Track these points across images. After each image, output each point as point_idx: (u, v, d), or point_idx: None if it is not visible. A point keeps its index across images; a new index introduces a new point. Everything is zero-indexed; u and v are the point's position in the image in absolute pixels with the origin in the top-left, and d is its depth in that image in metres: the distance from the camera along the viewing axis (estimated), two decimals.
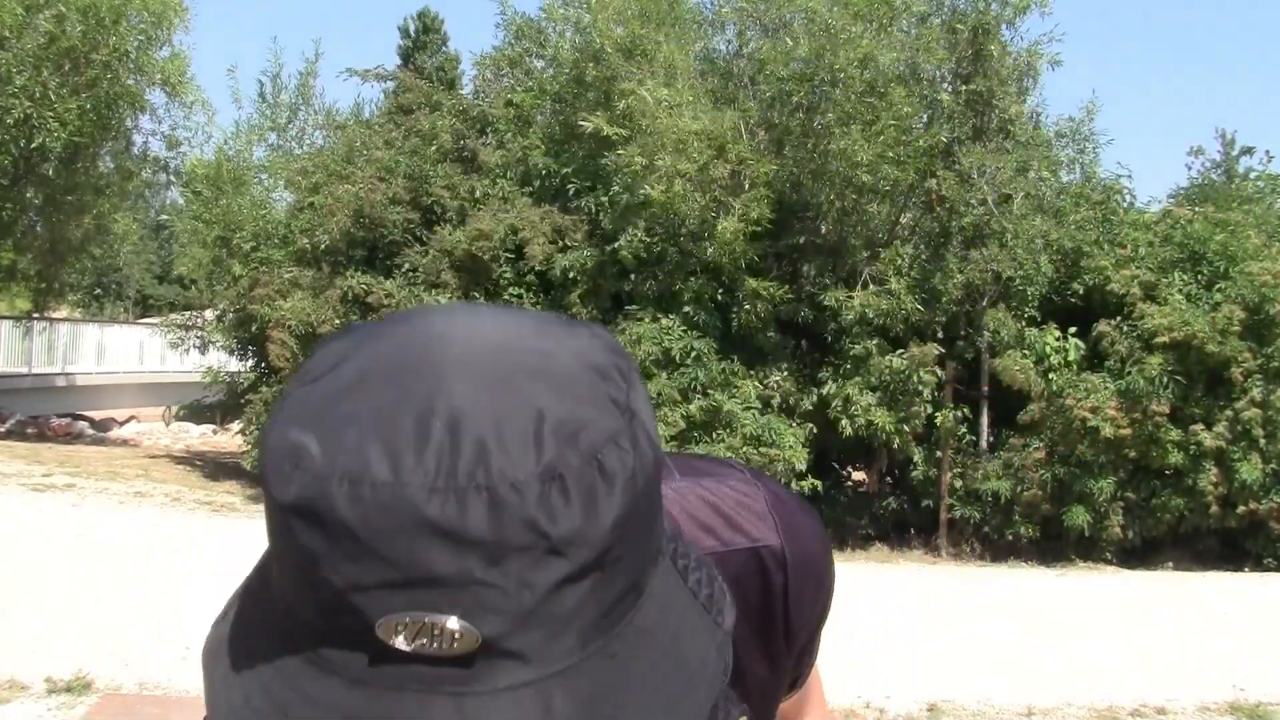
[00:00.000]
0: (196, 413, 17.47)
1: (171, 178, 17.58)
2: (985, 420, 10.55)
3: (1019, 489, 9.95)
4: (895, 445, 10.08)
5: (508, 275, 10.59)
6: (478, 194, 11.03)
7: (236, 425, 13.46)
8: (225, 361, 14.04)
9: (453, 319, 0.53)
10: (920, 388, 9.86)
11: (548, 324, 0.54)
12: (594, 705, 0.48)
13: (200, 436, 18.78)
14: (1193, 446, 9.74)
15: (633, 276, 10.30)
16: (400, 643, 0.46)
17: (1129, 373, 9.81)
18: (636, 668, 0.50)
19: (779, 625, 0.83)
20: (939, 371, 10.14)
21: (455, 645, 0.46)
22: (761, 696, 0.85)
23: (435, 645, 0.46)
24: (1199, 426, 9.76)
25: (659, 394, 9.41)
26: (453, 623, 0.45)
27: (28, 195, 16.04)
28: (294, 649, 0.49)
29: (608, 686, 0.49)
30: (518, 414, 0.47)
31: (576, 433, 0.48)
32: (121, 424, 19.99)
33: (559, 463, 0.46)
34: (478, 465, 0.46)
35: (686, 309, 10.00)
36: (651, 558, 0.54)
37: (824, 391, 10.07)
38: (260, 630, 0.52)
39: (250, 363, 13.02)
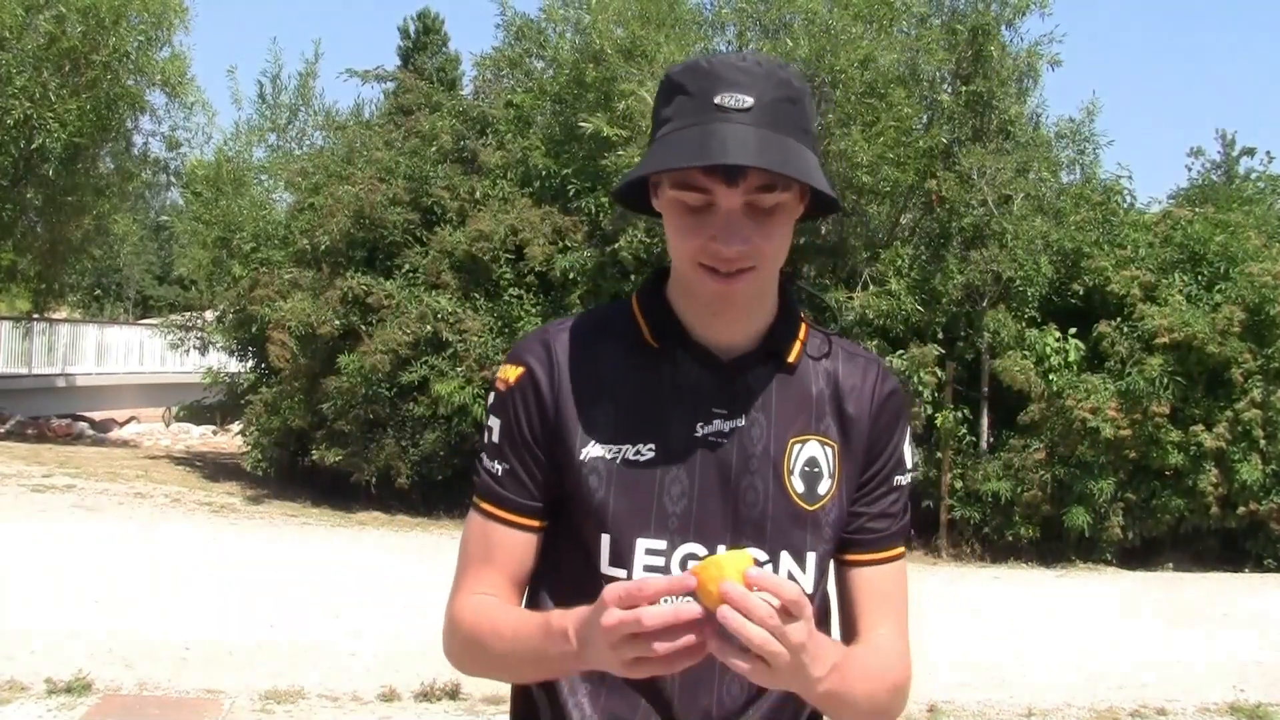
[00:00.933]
0: (196, 413, 17.49)
1: (171, 178, 17.58)
2: (985, 421, 10.55)
3: (1019, 489, 9.95)
4: None
5: (508, 276, 10.59)
6: (478, 194, 11.03)
7: (236, 426, 13.46)
8: (225, 362, 14.04)
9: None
10: (920, 388, 9.86)
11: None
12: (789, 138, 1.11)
13: (200, 437, 18.77)
14: (1193, 447, 9.73)
15: (633, 277, 10.30)
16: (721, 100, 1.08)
17: (1129, 373, 9.81)
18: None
19: (865, 430, 1.21)
20: (939, 372, 10.14)
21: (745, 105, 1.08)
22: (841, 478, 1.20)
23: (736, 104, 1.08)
24: (1199, 427, 9.76)
25: None
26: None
27: (28, 196, 16.03)
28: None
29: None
30: (778, 67, 1.15)
31: (801, 85, 1.15)
32: (121, 425, 19.98)
33: (789, 75, 1.16)
34: (756, 61, 1.14)
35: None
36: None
37: None
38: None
39: (250, 363, 13.02)
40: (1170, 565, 9.96)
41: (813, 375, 1.22)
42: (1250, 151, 17.88)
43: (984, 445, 10.53)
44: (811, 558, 1.18)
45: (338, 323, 10.55)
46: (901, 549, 1.23)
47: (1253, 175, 14.92)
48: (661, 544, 1.14)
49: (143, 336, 25.08)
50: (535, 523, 1.20)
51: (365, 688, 5.02)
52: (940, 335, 10.33)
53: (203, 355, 14.48)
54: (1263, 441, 9.79)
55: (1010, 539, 10.07)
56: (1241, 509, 9.82)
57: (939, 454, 10.35)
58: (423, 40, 31.09)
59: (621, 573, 1.14)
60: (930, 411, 10.10)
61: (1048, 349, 10.16)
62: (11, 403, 18.55)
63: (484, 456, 1.21)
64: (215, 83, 23.75)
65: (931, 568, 9.73)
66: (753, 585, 0.94)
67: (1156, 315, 9.91)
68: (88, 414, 20.12)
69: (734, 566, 0.96)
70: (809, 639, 0.97)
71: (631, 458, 1.15)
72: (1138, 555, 10.14)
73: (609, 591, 0.97)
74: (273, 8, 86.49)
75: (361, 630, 6.03)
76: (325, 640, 5.79)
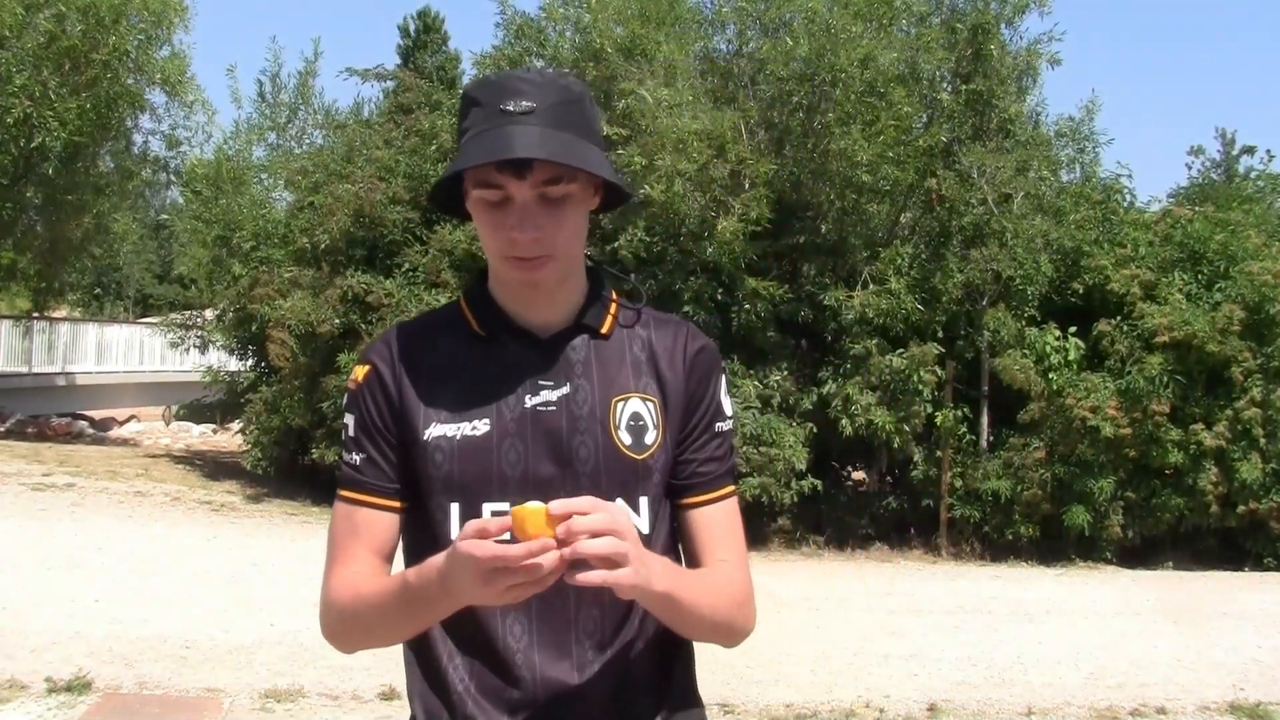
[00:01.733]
0: (196, 412, 17.48)
1: (171, 177, 17.57)
2: (985, 420, 10.55)
3: (1019, 489, 9.95)
4: (895, 445, 10.08)
5: None
6: None
7: (236, 425, 13.46)
8: (225, 361, 14.04)
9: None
10: (920, 387, 9.86)
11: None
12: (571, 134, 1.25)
13: (200, 436, 18.78)
14: (1193, 446, 9.73)
15: (633, 276, 10.30)
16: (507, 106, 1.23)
17: (1129, 372, 9.81)
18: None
19: (681, 385, 1.34)
20: (939, 371, 10.14)
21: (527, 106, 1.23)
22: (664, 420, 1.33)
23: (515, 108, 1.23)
24: (1199, 426, 9.76)
25: None
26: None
27: (28, 195, 16.03)
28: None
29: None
30: (551, 76, 1.29)
31: (574, 88, 1.31)
32: (121, 423, 20.00)
33: (565, 79, 1.29)
34: (537, 72, 1.32)
35: (686, 308, 9.99)
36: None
37: (824, 391, 10.06)
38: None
39: (250, 362, 13.02)
40: (1170, 564, 9.96)
41: (627, 342, 1.37)
42: (1251, 150, 17.93)
43: (984, 444, 10.53)
44: (644, 501, 1.32)
45: (338, 321, 10.54)
46: (731, 488, 1.38)
47: (1253, 174, 14.94)
48: (505, 505, 1.26)
49: (143, 335, 25.08)
50: (395, 503, 1.32)
51: (365, 687, 5.03)
52: (940, 334, 10.32)
53: (203, 354, 14.48)
54: (1263, 440, 9.79)
55: (1010, 538, 10.07)
56: (1241, 508, 9.82)
57: (939, 453, 10.35)
58: (423, 39, 31.10)
59: None
60: (930, 410, 10.10)
61: (1048, 348, 10.16)
62: (11, 401, 18.56)
63: (343, 453, 1.34)
64: (215, 81, 23.80)
65: (931, 567, 9.73)
66: (559, 514, 1.07)
67: (1156, 314, 9.90)
68: (88, 413, 20.13)
69: (537, 511, 1.08)
70: (634, 537, 1.12)
71: (469, 433, 1.28)
72: (1138, 554, 10.14)
73: (467, 529, 1.09)
74: (272, 7, 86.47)
75: None
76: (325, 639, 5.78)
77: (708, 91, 10.70)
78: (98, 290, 37.59)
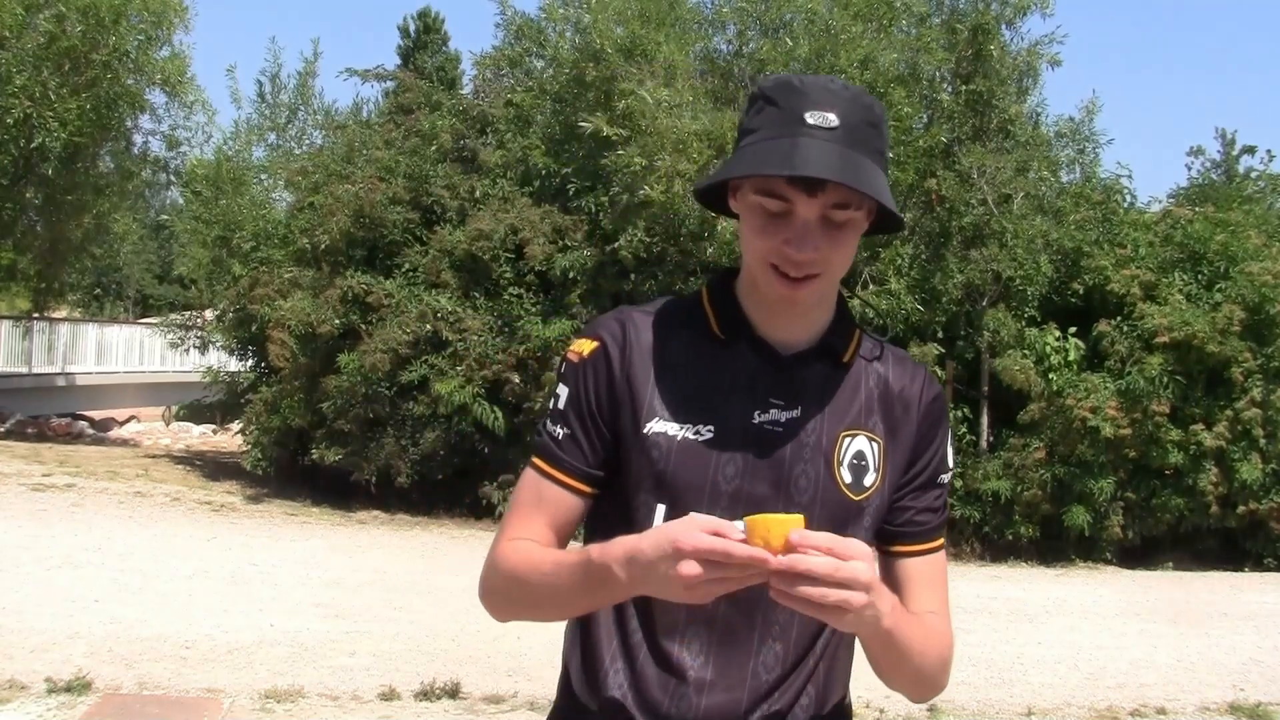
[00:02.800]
0: (196, 412, 17.50)
1: (171, 178, 17.57)
2: (985, 420, 10.55)
3: (1019, 489, 9.95)
4: None
5: (508, 275, 10.58)
6: (478, 194, 11.03)
7: (236, 425, 13.46)
8: (225, 361, 14.05)
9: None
10: None
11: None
12: (869, 159, 1.19)
13: (200, 436, 18.78)
14: (1193, 446, 9.73)
15: (633, 276, 10.30)
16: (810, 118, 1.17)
17: (1129, 373, 9.81)
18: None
19: (913, 431, 1.31)
20: (939, 371, 10.14)
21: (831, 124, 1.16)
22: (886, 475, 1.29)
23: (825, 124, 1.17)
24: (1199, 426, 9.76)
25: None
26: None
27: (28, 195, 16.02)
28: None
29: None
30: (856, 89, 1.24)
31: (875, 103, 1.24)
32: (121, 424, 20.01)
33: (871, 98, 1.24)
34: (845, 85, 1.23)
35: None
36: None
37: None
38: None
39: (250, 362, 13.02)
40: (1170, 564, 9.96)
41: (864, 375, 1.32)
42: (1251, 150, 17.89)
43: (984, 444, 10.53)
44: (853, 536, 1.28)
45: (337, 322, 10.54)
46: (942, 540, 1.35)
47: (1253, 174, 14.93)
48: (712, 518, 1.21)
49: (143, 335, 25.06)
50: (587, 489, 1.28)
51: (365, 687, 5.03)
52: (940, 334, 10.32)
53: (203, 354, 14.48)
54: (1262, 441, 9.79)
55: (1010, 538, 10.07)
56: (1241, 508, 9.82)
57: None
58: (423, 39, 31.09)
59: None
60: None
61: (1048, 348, 10.16)
62: (11, 402, 18.55)
63: (546, 421, 1.29)
64: (215, 82, 23.79)
65: None
66: (799, 543, 1.02)
67: (1156, 314, 9.90)
68: (88, 413, 20.13)
69: (781, 525, 1.03)
70: (875, 576, 1.07)
71: (691, 436, 1.24)
72: (1138, 554, 10.14)
73: (698, 520, 1.05)
74: (272, 7, 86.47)
75: (361, 629, 6.03)
76: (325, 639, 5.79)
77: (707, 92, 10.71)
78: (98, 290, 37.61)
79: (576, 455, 1.27)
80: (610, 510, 1.29)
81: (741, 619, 1.23)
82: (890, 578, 1.31)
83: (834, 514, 1.24)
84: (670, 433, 1.24)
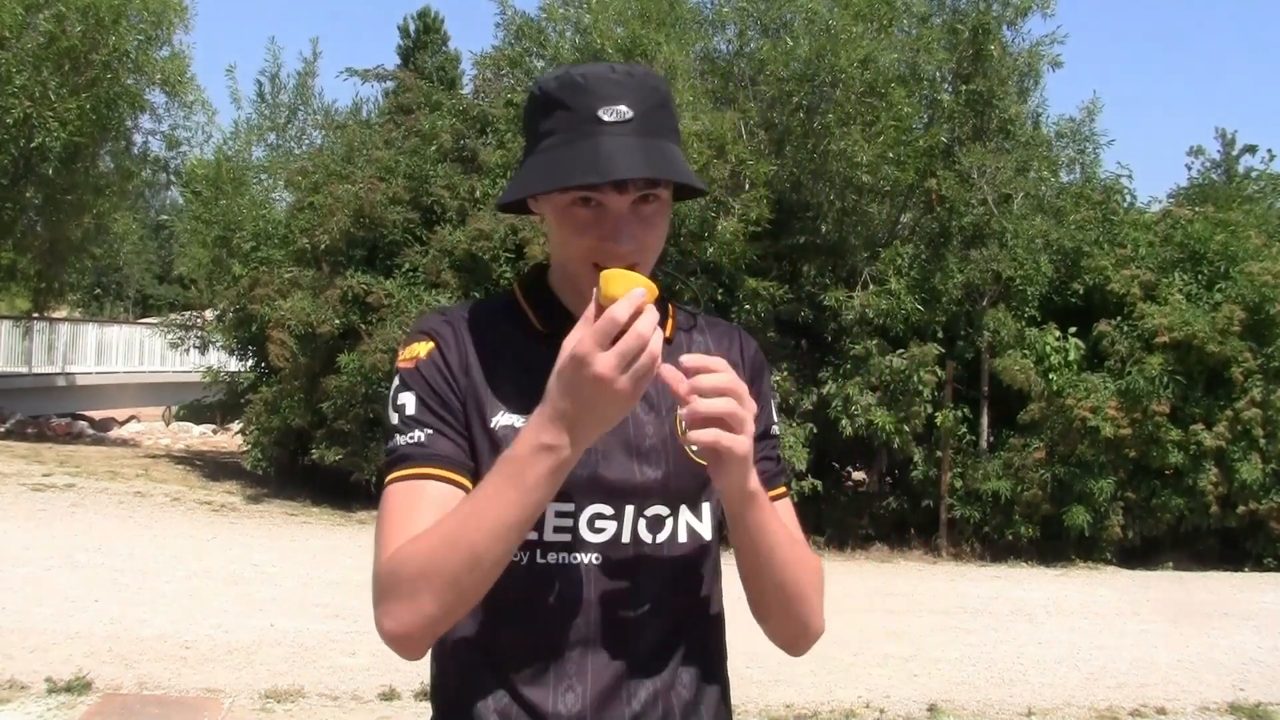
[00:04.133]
0: (196, 412, 17.49)
1: (171, 178, 17.58)
2: (985, 420, 10.55)
3: (1019, 489, 9.95)
4: (895, 445, 10.08)
5: (508, 275, 10.58)
6: (478, 194, 11.02)
7: (236, 425, 13.46)
8: (225, 361, 14.04)
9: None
10: (920, 387, 9.85)
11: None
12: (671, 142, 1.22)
13: (200, 436, 18.78)
14: (1193, 446, 9.74)
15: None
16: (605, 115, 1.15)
17: (1129, 372, 9.81)
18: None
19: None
20: (939, 371, 10.14)
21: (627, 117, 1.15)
22: None
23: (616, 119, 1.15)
24: (1199, 426, 9.76)
25: None
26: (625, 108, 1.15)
27: (27, 195, 16.03)
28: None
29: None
30: (639, 70, 1.21)
31: (660, 80, 1.22)
32: (121, 424, 20.00)
33: (657, 78, 1.20)
34: (629, 68, 1.21)
35: (687, 309, 9.99)
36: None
37: (824, 391, 10.06)
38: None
39: (250, 362, 13.01)
40: (1170, 564, 9.96)
41: (686, 346, 1.34)
42: (1253, 149, 17.91)
43: (984, 444, 10.53)
44: (706, 507, 1.28)
45: (338, 322, 10.54)
46: (785, 489, 1.35)
47: (1253, 174, 14.93)
48: (569, 506, 1.20)
49: (143, 335, 25.08)
50: (467, 481, 1.18)
51: (365, 687, 5.03)
52: (940, 334, 10.32)
53: (203, 354, 14.48)
54: (1263, 441, 9.79)
55: (1010, 538, 10.07)
56: (1241, 508, 9.82)
57: (939, 453, 10.35)
58: (423, 39, 31.11)
59: (533, 534, 1.17)
60: (930, 411, 10.10)
61: (1048, 348, 10.16)
62: (11, 402, 18.55)
63: (397, 437, 1.19)
64: (215, 82, 23.73)
65: (931, 567, 9.73)
66: (690, 365, 1.08)
67: (1156, 314, 9.90)
68: (88, 413, 20.12)
69: (627, 278, 1.05)
70: (752, 408, 1.10)
71: None
72: (1138, 554, 10.14)
73: (572, 334, 1.04)
74: (272, 7, 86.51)
75: (361, 630, 6.03)
76: (325, 640, 5.79)
77: (708, 92, 10.70)
78: (98, 290, 37.63)
79: (448, 449, 1.18)
80: None
81: (606, 668, 1.19)
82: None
83: (685, 483, 1.24)
84: (517, 425, 1.18)
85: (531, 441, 1.06)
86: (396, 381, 1.23)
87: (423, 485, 1.16)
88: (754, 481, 1.14)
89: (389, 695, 4.92)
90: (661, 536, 1.23)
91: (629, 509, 1.21)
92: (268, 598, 6.66)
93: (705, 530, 1.27)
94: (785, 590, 1.23)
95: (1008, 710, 5.37)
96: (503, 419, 1.21)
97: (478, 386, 1.22)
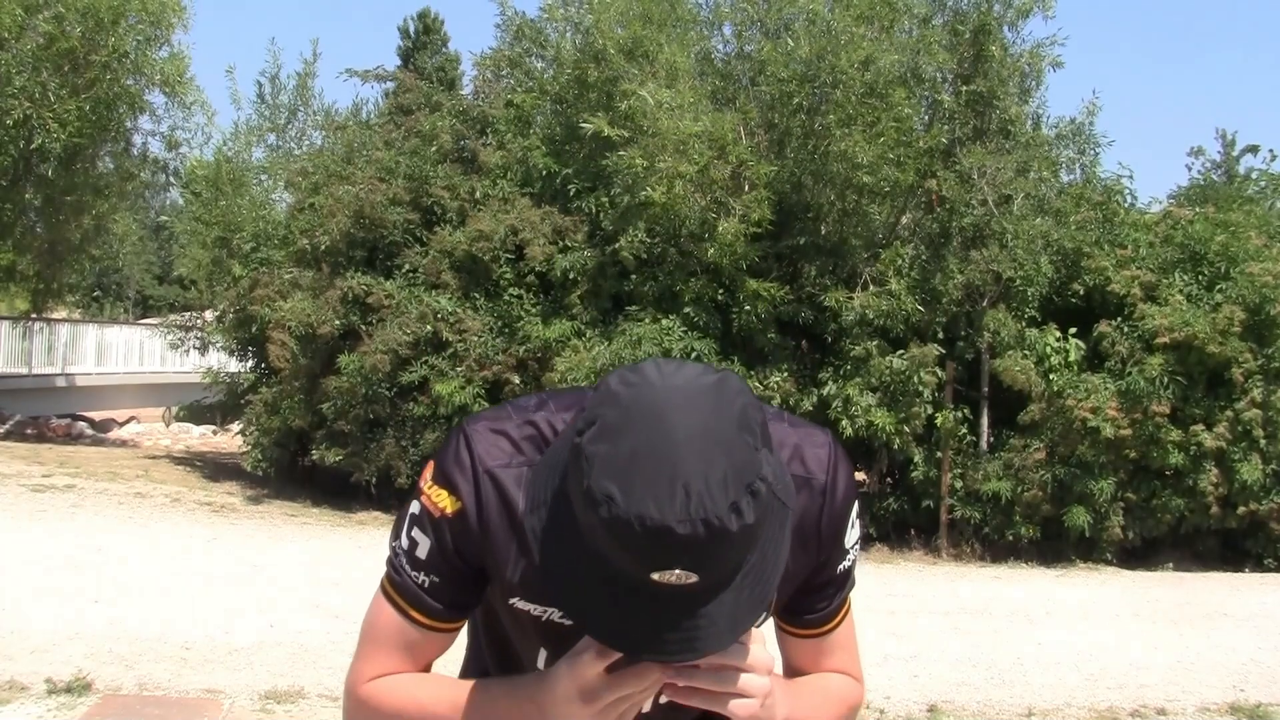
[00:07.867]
0: (196, 413, 17.48)
1: (171, 178, 17.57)
2: (985, 421, 10.55)
3: (1019, 489, 9.95)
4: (895, 446, 10.08)
5: (508, 276, 10.58)
6: (478, 194, 11.02)
7: (236, 426, 13.45)
8: (225, 362, 14.03)
9: (671, 409, 0.94)
10: (920, 388, 9.85)
11: (711, 398, 0.96)
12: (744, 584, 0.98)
13: (200, 437, 18.77)
14: (1193, 447, 9.73)
15: (633, 277, 10.30)
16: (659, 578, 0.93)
17: (1129, 373, 9.81)
18: (766, 562, 1.00)
19: (814, 539, 1.18)
20: (939, 372, 10.14)
21: (688, 582, 0.93)
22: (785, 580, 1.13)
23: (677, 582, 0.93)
24: (1199, 427, 9.76)
25: None
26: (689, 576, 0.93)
27: (27, 195, 16.03)
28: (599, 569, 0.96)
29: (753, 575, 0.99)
30: (714, 473, 0.91)
31: (740, 478, 0.92)
32: (121, 425, 19.98)
33: (737, 498, 0.91)
34: (699, 506, 0.90)
35: (687, 310, 10.00)
36: (779, 523, 1.02)
37: (824, 392, 10.06)
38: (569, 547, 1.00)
39: (250, 363, 13.01)
40: (1170, 565, 9.96)
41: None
42: (1254, 149, 17.87)
43: (984, 445, 10.52)
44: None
45: (338, 323, 10.54)
46: (839, 618, 1.29)
47: (1254, 174, 14.90)
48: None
49: (143, 336, 25.07)
50: (459, 625, 1.21)
51: None
52: (940, 335, 10.32)
53: (202, 355, 14.46)
54: (1263, 441, 9.78)
55: (1010, 539, 10.07)
56: (1242, 509, 9.82)
57: (939, 454, 10.35)
58: (423, 40, 31.13)
59: None
60: (930, 411, 10.10)
61: (1048, 349, 10.16)
62: (11, 402, 18.54)
63: (405, 564, 1.17)
64: (214, 83, 23.70)
65: (931, 567, 9.73)
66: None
67: (1157, 315, 9.90)
68: (87, 414, 20.11)
69: None
70: (771, 683, 1.07)
71: (558, 620, 1.14)
72: (1138, 555, 10.14)
73: (585, 653, 1.05)
74: (272, 8, 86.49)
75: None
76: (325, 640, 5.79)
77: (708, 93, 10.71)
78: (97, 291, 37.63)
79: (446, 599, 1.17)
80: (486, 630, 1.30)
81: None
82: (792, 647, 1.30)
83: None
84: (534, 613, 1.15)
85: (510, 700, 1.12)
86: (418, 509, 1.17)
87: (413, 630, 1.18)
88: (781, 715, 1.10)
89: None
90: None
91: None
92: (268, 598, 6.66)
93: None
94: None
95: (1008, 711, 5.37)
96: (519, 603, 1.16)
97: (497, 563, 1.14)
